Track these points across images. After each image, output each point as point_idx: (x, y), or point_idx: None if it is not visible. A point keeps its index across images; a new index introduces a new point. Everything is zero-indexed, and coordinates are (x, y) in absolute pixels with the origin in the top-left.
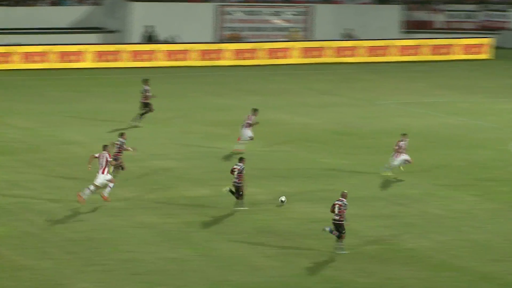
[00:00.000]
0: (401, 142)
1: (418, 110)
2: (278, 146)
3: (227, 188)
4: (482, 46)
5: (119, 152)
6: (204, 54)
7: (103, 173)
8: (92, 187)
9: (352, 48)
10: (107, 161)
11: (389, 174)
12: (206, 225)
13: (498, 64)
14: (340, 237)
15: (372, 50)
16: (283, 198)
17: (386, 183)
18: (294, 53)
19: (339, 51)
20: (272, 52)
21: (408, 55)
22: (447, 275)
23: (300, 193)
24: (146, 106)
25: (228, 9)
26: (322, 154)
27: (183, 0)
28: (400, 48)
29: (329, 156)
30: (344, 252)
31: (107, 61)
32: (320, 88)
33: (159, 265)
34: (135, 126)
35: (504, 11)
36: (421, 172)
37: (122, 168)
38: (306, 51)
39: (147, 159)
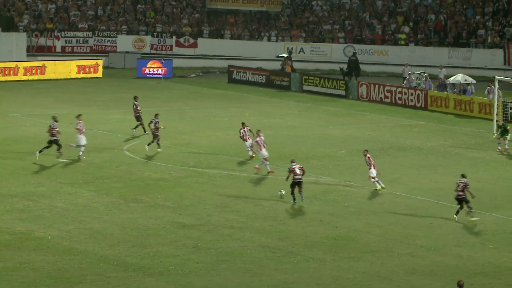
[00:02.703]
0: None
1: (43, 121)
2: None
3: None
4: (95, 66)
5: (156, 129)
6: None
7: None
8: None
9: None
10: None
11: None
12: None
13: (108, 81)
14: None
15: (3, 71)
16: (283, 192)
17: (19, 183)
18: None
19: None
20: None
21: (35, 74)
22: (71, 258)
23: None
24: (139, 119)
25: None
26: None
27: None
28: (27, 69)
29: None
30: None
31: None
32: None
33: None
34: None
35: (112, 36)
36: (48, 172)
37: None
38: None
39: None
